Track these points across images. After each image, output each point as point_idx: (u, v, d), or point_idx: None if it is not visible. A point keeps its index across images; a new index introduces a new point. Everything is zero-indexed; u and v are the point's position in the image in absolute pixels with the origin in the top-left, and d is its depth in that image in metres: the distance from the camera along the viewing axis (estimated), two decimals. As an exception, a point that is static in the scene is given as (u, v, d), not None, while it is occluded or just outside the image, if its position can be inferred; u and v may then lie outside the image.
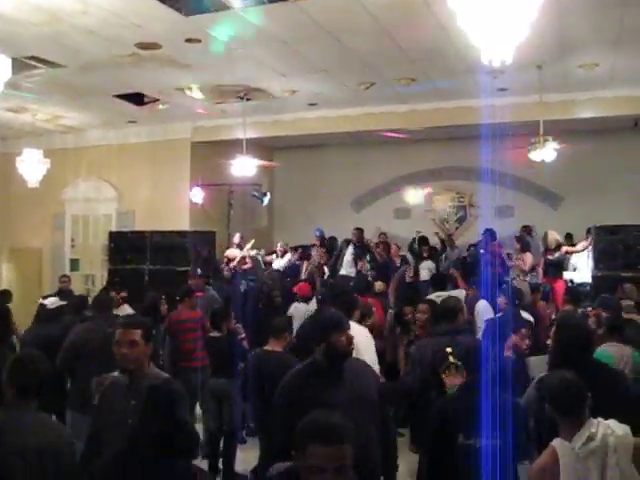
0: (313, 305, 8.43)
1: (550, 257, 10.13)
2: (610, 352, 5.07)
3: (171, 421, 2.82)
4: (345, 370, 3.66)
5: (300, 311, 8.24)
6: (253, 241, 11.81)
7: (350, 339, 3.67)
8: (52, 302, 7.54)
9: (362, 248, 12.04)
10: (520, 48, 4.42)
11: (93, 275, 13.84)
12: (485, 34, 4.15)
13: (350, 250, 12.06)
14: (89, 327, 5.99)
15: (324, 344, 3.62)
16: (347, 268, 11.82)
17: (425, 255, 12.24)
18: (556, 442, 3.16)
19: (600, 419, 3.16)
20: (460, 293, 8.38)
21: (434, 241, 12.95)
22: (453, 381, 4.48)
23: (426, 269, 11.84)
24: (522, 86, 9.71)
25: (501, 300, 7.24)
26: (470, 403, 3.58)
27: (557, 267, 10.17)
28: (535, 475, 3.15)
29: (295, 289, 8.90)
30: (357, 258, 11.81)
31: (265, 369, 5.13)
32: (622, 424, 3.14)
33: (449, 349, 4.63)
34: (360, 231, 12.38)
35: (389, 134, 12.34)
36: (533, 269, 10.12)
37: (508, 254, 10.70)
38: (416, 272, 11.82)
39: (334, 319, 3.78)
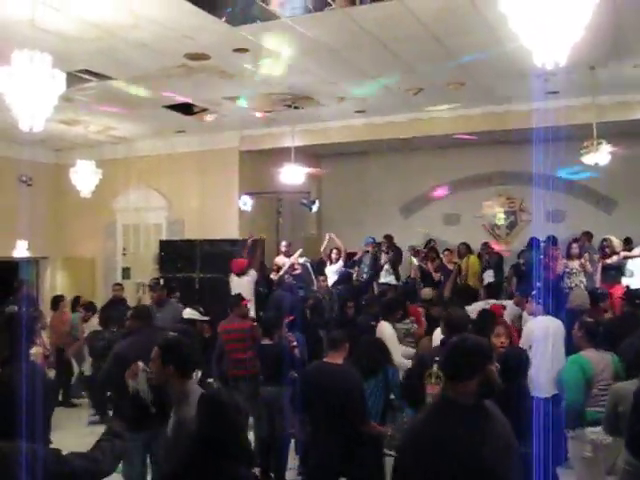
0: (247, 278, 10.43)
1: (609, 261, 9.90)
2: (587, 357, 5.28)
3: (222, 428, 2.84)
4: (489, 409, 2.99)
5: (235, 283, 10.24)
6: (301, 250, 11.82)
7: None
8: (188, 313, 7.61)
9: (395, 254, 12.34)
10: (572, 49, 4.32)
11: (144, 283, 14.00)
12: (537, 36, 4.07)
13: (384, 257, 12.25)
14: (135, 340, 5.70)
15: (477, 378, 2.89)
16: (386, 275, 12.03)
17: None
18: None
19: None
20: (508, 303, 8.70)
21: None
22: (432, 390, 4.54)
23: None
24: (574, 88, 9.52)
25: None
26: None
27: (615, 272, 9.94)
28: None
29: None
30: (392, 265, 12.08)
31: (325, 381, 5.08)
32: None
33: (437, 357, 4.60)
34: (389, 238, 12.59)
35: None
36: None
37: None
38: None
39: (485, 346, 3.12)
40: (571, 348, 5.90)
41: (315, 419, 5.18)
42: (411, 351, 6.91)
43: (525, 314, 7.96)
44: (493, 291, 9.66)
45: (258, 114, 11.33)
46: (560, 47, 4.12)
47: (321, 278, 10.92)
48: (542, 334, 6.57)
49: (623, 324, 6.34)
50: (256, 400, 6.75)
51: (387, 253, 12.31)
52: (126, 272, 14.32)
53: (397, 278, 12.15)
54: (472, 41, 7.69)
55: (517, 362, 4.77)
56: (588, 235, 11.95)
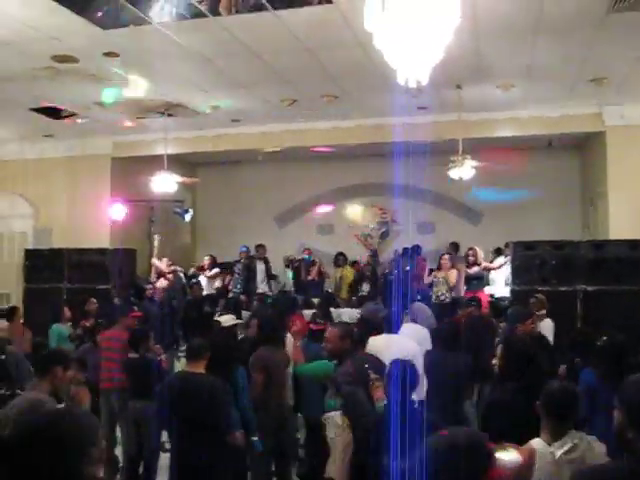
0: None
1: (470, 272, 10.34)
2: None
3: None
4: None
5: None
6: (165, 259, 11.79)
7: None
8: (226, 320, 7.17)
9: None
10: (438, 68, 4.48)
11: (8, 294, 13.36)
12: (400, 55, 4.19)
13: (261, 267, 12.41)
14: None
15: None
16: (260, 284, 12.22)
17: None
18: (536, 442, 3.24)
19: (583, 433, 3.27)
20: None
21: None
22: (377, 394, 4.50)
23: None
24: (442, 105, 9.91)
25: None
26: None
27: (477, 282, 10.40)
28: (509, 468, 3.14)
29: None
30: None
31: (186, 391, 4.99)
32: (600, 442, 3.24)
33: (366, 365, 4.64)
34: (263, 247, 12.77)
35: (314, 149, 12.41)
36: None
37: (431, 270, 10.90)
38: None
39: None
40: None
41: (178, 431, 5.08)
42: None
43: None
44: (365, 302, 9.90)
45: (129, 122, 11.09)
46: (421, 67, 4.25)
47: (195, 286, 10.88)
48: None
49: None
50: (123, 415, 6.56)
51: (265, 262, 12.44)
52: (-14, 282, 13.61)
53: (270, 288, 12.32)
54: (344, 55, 7.86)
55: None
56: (454, 245, 12.50)
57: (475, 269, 10.34)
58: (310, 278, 12.71)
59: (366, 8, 4.07)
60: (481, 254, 10.60)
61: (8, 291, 13.31)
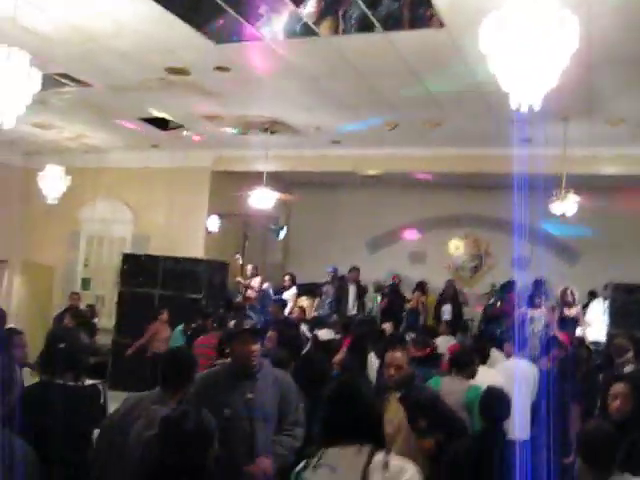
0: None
1: (568, 313, 10.01)
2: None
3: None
4: None
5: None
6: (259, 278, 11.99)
7: None
8: (324, 334, 7.41)
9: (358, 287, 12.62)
10: (547, 99, 4.38)
11: (103, 296, 13.82)
12: (514, 79, 4.12)
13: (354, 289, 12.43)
14: None
15: None
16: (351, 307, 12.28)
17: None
18: None
19: (628, 475, 3.05)
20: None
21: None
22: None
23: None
24: (547, 138, 9.68)
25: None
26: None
27: (573, 323, 10.06)
28: None
29: None
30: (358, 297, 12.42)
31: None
32: None
33: None
34: (357, 270, 12.74)
35: (415, 175, 12.34)
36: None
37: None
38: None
39: None
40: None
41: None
42: None
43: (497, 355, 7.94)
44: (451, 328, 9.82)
45: (233, 135, 11.32)
46: (536, 92, 4.17)
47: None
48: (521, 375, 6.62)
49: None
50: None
51: (358, 285, 12.44)
52: (86, 283, 14.12)
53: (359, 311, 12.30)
54: (451, 81, 7.80)
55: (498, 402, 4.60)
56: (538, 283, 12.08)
57: (574, 310, 9.98)
58: (410, 307, 12.49)
59: (482, 28, 4.03)
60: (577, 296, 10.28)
61: (104, 293, 13.77)
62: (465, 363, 6.06)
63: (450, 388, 5.74)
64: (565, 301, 10.10)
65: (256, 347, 3.97)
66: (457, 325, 10.85)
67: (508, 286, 11.02)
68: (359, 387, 2.69)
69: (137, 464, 2.92)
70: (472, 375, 5.95)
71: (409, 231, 14.43)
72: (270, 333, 7.05)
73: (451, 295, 12.55)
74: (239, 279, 12.32)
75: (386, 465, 2.41)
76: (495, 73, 4.28)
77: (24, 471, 2.73)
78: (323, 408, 2.65)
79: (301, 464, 2.64)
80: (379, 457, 2.42)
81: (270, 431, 3.98)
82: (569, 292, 10.15)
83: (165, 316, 10.32)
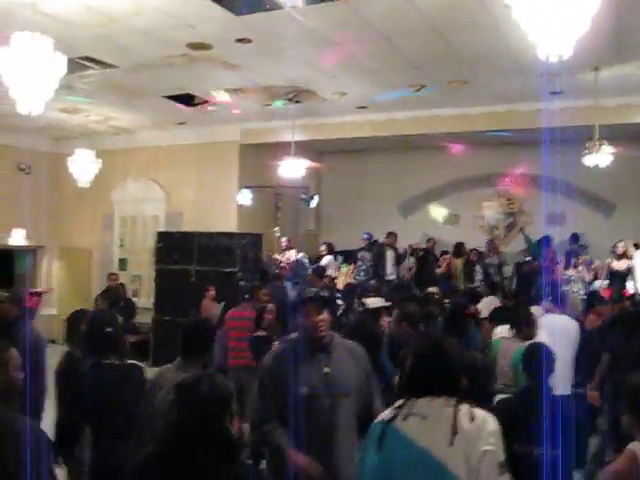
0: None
1: (616, 266, 9.84)
2: None
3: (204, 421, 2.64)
4: None
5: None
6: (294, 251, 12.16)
7: None
8: (373, 302, 7.43)
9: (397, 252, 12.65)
10: (576, 49, 4.27)
11: (141, 275, 13.98)
12: (542, 28, 4.02)
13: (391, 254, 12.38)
14: None
15: None
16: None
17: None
18: (635, 445, 2.96)
19: None
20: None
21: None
22: None
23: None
24: (578, 89, 9.48)
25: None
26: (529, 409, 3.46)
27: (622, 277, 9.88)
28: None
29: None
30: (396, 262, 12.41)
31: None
32: None
33: None
34: (395, 235, 12.73)
35: (443, 139, 12.19)
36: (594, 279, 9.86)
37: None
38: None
39: None
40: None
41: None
42: None
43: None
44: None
45: (259, 107, 11.28)
46: (564, 40, 4.07)
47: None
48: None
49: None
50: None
51: (395, 250, 12.40)
52: (122, 263, 14.29)
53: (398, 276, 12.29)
54: (476, 37, 7.66)
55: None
56: (574, 237, 11.87)
57: (625, 263, 9.77)
58: (440, 271, 12.40)
59: (506, -22, 3.94)
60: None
61: (140, 272, 13.93)
62: (525, 323, 6.07)
63: (507, 349, 5.85)
64: (616, 254, 9.90)
65: (323, 317, 3.67)
66: (494, 285, 10.72)
67: (544, 242, 10.85)
68: (450, 344, 2.84)
69: (161, 430, 2.98)
70: (530, 336, 5.89)
71: (441, 193, 14.28)
72: (270, 306, 7.00)
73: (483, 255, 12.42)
74: (275, 256, 12.35)
75: (472, 415, 2.54)
76: (521, 23, 4.19)
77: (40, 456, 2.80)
78: (413, 362, 2.76)
79: (388, 414, 2.71)
80: (464, 408, 2.56)
81: (351, 406, 3.66)
82: (620, 245, 9.93)
83: (212, 292, 10.39)
